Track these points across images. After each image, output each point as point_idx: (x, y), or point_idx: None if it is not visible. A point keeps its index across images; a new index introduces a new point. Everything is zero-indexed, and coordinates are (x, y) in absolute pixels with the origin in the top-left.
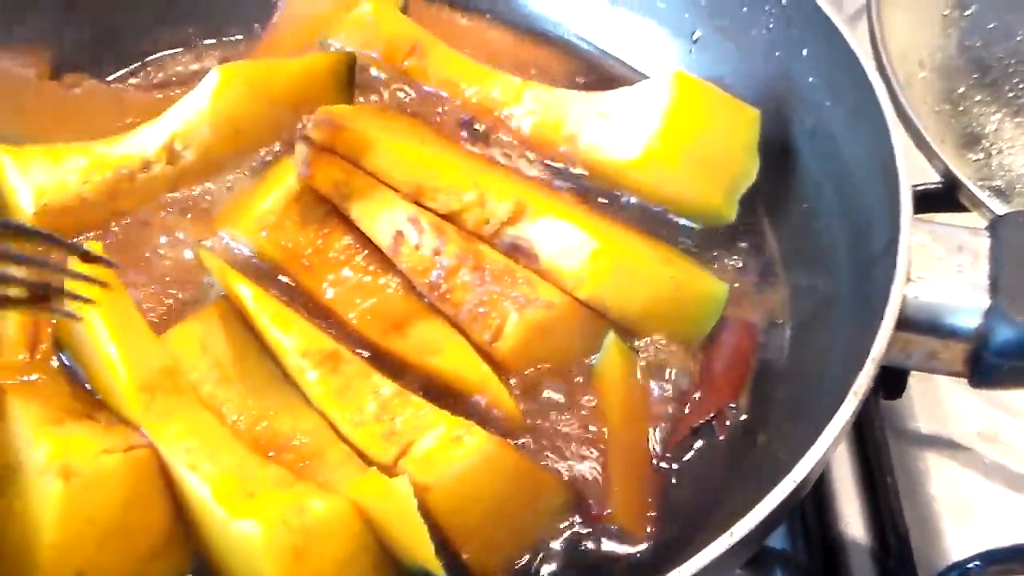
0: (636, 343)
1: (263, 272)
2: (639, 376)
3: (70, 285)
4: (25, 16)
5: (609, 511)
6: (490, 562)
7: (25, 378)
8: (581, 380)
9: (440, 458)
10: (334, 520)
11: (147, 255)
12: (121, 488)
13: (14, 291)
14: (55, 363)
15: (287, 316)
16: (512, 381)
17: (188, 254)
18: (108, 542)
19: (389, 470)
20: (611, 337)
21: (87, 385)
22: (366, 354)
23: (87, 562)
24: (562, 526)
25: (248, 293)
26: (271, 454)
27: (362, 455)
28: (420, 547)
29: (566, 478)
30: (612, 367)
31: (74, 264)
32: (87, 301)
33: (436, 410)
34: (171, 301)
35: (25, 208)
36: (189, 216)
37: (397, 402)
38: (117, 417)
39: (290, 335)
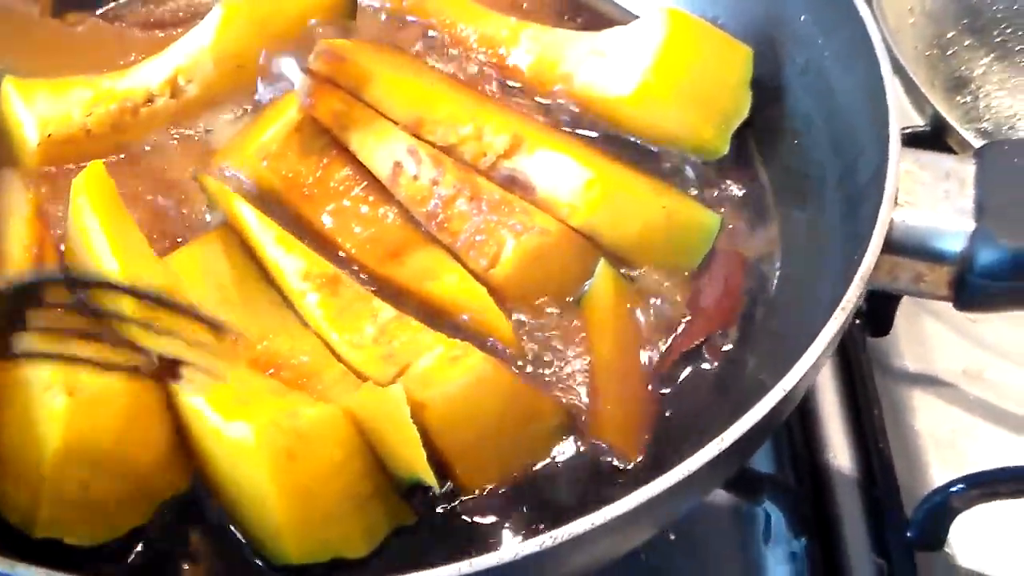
0: (629, 273)
1: (263, 202)
2: (630, 303)
3: (197, 357)
4: None
5: (600, 431)
6: (483, 479)
7: None
8: (575, 309)
9: (437, 377)
10: (326, 424)
11: (149, 186)
12: (124, 403)
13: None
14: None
15: (289, 239)
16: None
17: (190, 185)
18: (112, 455)
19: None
20: (602, 263)
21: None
22: (364, 280)
23: (91, 474)
24: (557, 447)
25: (251, 215)
26: (270, 371)
27: (360, 375)
28: (412, 454)
29: (563, 401)
30: (603, 292)
31: (200, 333)
32: (218, 377)
33: (435, 333)
34: (173, 230)
35: (30, 139)
36: (192, 148)
37: (396, 325)
38: (118, 334)
39: (292, 257)
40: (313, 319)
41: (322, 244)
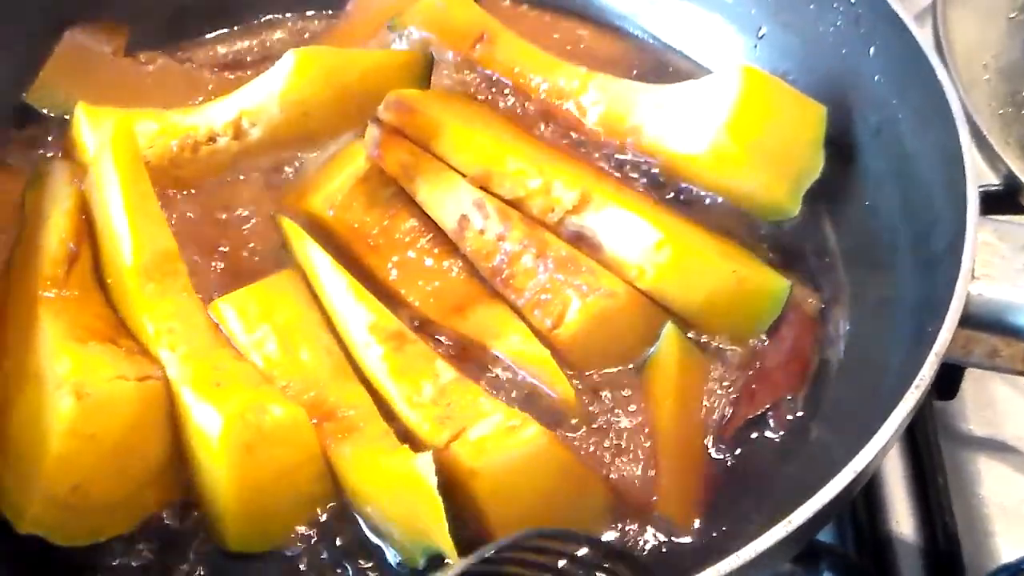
0: (696, 337)
1: (329, 251)
2: (695, 369)
3: None
4: None
5: (655, 500)
6: None
7: (61, 292)
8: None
9: (492, 445)
10: (290, 426)
11: (214, 223)
12: (128, 414)
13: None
14: (89, 284)
15: (360, 289)
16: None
17: (258, 224)
18: (108, 462)
19: (440, 452)
20: (669, 327)
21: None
22: (428, 333)
23: (85, 477)
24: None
25: (324, 260)
26: (313, 421)
27: (412, 435)
28: (434, 525)
29: (614, 476)
30: (668, 357)
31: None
32: None
33: (494, 400)
34: (236, 267)
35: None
36: (256, 187)
37: (455, 388)
38: (137, 344)
39: (361, 308)
40: (373, 373)
41: (386, 295)
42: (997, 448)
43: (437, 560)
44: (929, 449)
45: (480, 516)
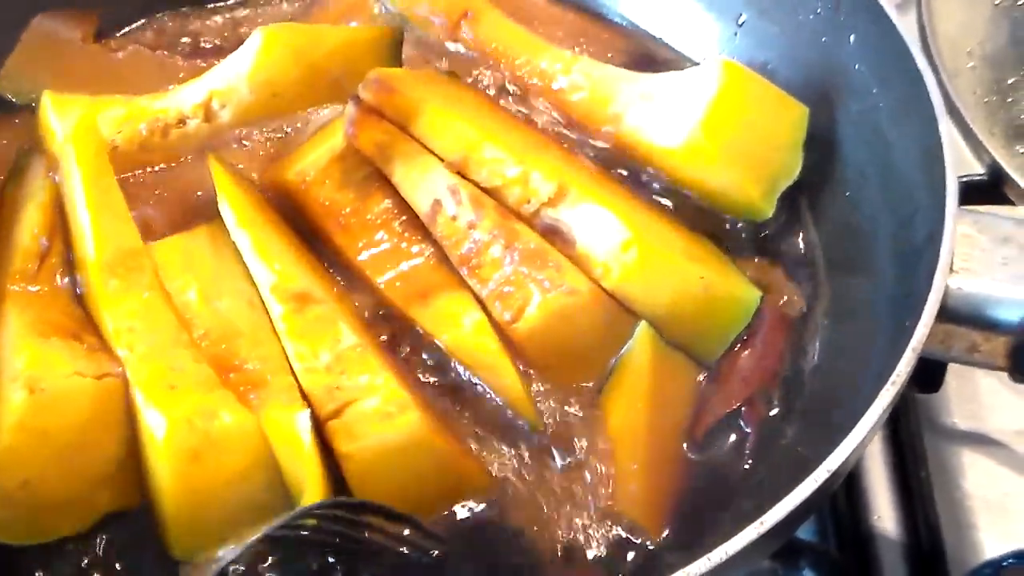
0: None
1: (296, 226)
2: (669, 370)
3: None
4: None
5: (621, 506)
6: None
7: (29, 287)
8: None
9: (364, 430)
10: (238, 434)
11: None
12: (82, 411)
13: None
14: (59, 279)
15: (266, 248)
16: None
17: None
18: (59, 460)
19: (322, 424)
20: (643, 326)
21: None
22: (382, 317)
23: (35, 474)
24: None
25: (231, 216)
26: (226, 374)
27: (305, 397)
28: (311, 488)
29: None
30: (641, 356)
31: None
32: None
33: (387, 376)
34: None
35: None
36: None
37: (353, 356)
38: (101, 341)
39: (264, 267)
40: (278, 330)
41: (351, 275)
42: (981, 442)
43: None
44: (912, 443)
45: (352, 495)
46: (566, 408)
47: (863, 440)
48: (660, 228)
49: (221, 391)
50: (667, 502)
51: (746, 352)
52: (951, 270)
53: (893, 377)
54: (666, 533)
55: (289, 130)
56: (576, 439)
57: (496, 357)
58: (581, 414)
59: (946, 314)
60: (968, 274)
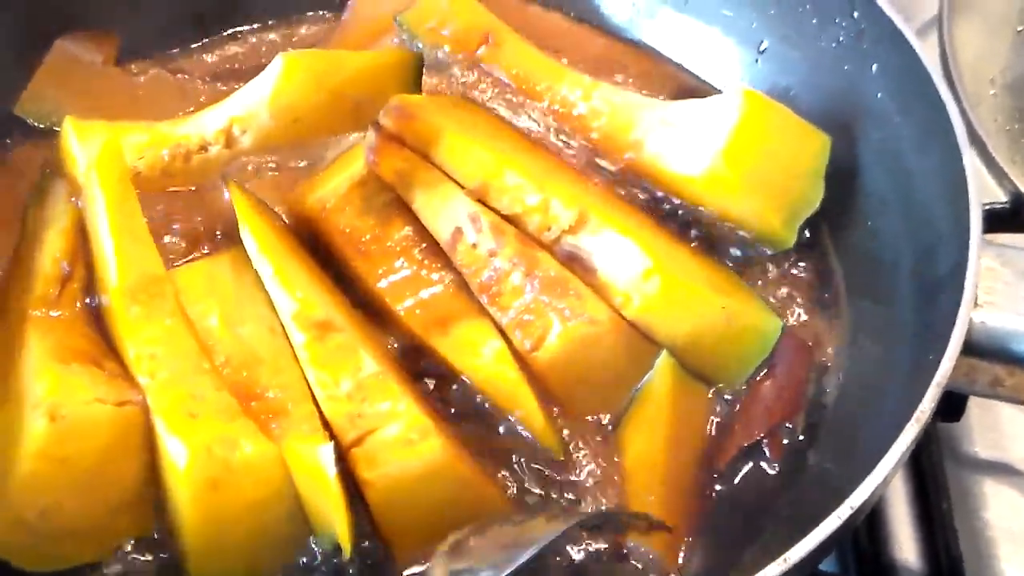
0: None
1: (317, 253)
2: (691, 400)
3: None
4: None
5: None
6: (417, 555)
7: (51, 312)
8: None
9: (386, 457)
10: (259, 463)
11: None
12: (103, 439)
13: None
14: (80, 304)
15: (287, 276)
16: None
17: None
18: (78, 487)
19: (344, 452)
20: (664, 356)
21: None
22: (402, 347)
23: (54, 502)
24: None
25: (252, 244)
26: (248, 402)
27: (327, 426)
28: (335, 519)
29: (513, 497)
30: (661, 386)
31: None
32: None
33: (409, 402)
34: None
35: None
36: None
37: (374, 384)
38: (122, 368)
39: (285, 295)
40: (299, 358)
41: (372, 303)
42: (1003, 471)
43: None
44: (933, 472)
45: (374, 523)
46: (586, 437)
47: (887, 477)
48: (681, 257)
49: (242, 420)
50: (683, 534)
51: (768, 382)
52: (975, 304)
53: (917, 413)
54: (688, 565)
55: (309, 159)
56: (595, 468)
57: (516, 386)
58: (600, 443)
59: (970, 348)
60: (992, 308)
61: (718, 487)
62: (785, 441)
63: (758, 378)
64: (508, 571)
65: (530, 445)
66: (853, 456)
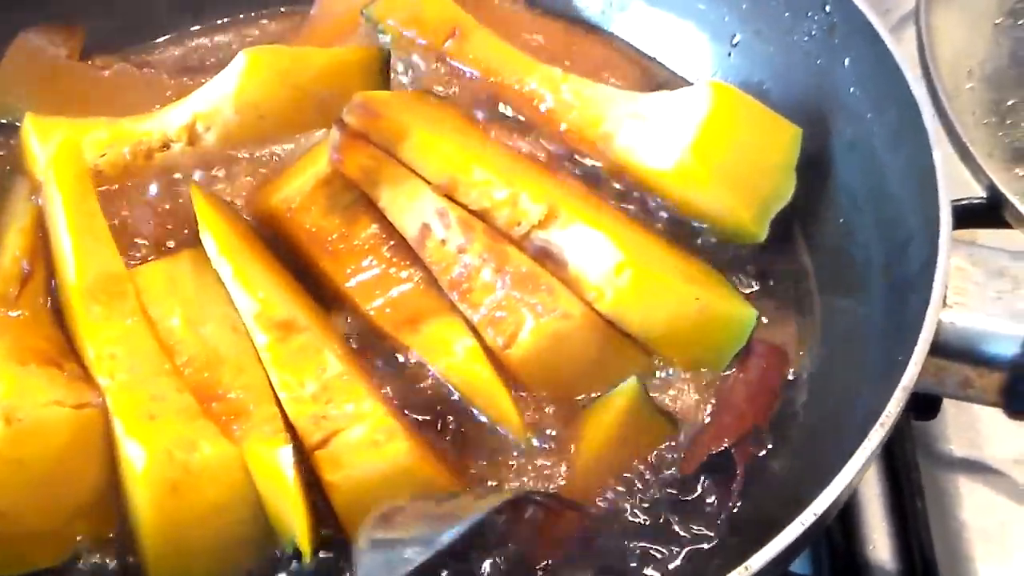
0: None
1: (282, 252)
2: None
3: None
4: None
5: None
6: None
7: (9, 312)
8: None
9: (352, 459)
10: (219, 465)
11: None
12: (60, 441)
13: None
14: (40, 304)
15: (247, 277)
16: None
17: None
18: (35, 490)
19: (308, 454)
20: (632, 381)
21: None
22: (374, 343)
23: (10, 505)
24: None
25: (211, 244)
26: (207, 402)
27: (291, 428)
28: (295, 524)
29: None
30: (614, 406)
31: None
32: None
33: (374, 402)
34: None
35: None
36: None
37: (339, 385)
38: (82, 369)
39: (246, 296)
40: (262, 359)
41: (340, 302)
42: (979, 470)
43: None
44: (907, 471)
45: (339, 524)
46: (548, 432)
47: (851, 482)
48: (653, 249)
49: (202, 421)
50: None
51: (739, 387)
52: (944, 304)
53: (882, 418)
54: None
55: (278, 153)
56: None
57: (489, 384)
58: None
59: (939, 349)
60: (961, 308)
61: (684, 495)
62: (754, 448)
63: (729, 381)
64: (434, 551)
65: (501, 441)
66: (818, 460)
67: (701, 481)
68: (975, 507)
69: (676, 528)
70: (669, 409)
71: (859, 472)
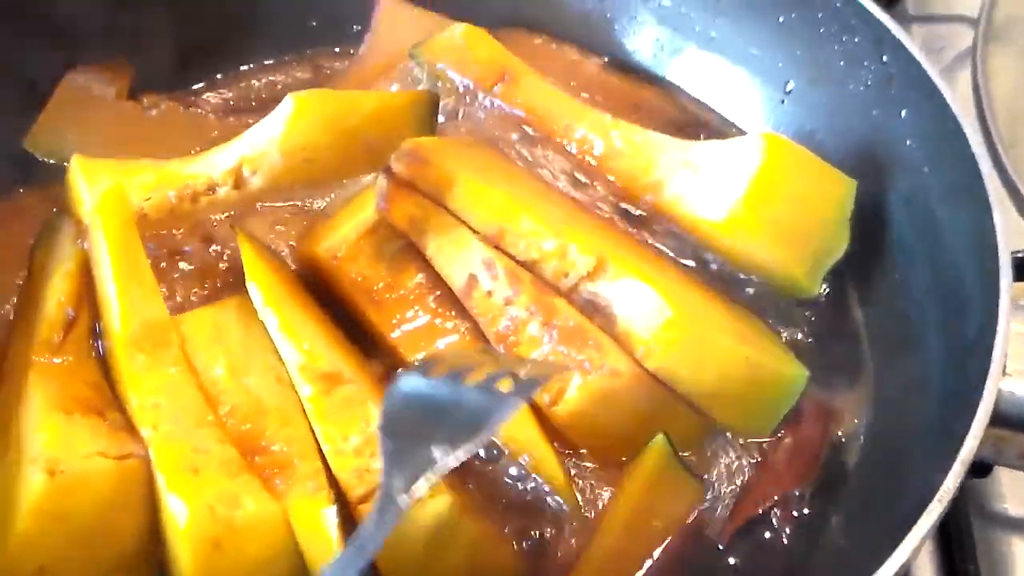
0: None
1: (329, 299)
2: (671, 487)
3: None
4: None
5: None
6: None
7: (54, 359)
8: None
9: None
10: (261, 521)
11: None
12: (102, 494)
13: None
14: (84, 350)
15: (293, 328)
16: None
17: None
18: (76, 544)
19: (352, 508)
20: (659, 439)
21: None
22: None
23: (51, 559)
24: None
25: (259, 296)
26: (250, 455)
27: (335, 481)
28: None
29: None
30: (642, 471)
31: None
32: None
33: None
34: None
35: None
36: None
37: None
38: (125, 418)
39: (291, 347)
40: (307, 411)
41: (386, 352)
42: None
43: None
44: (960, 531)
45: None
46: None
47: (908, 559)
48: (703, 304)
49: (245, 476)
50: None
51: (781, 448)
52: (1004, 372)
53: (940, 494)
54: None
55: (324, 198)
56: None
57: (535, 443)
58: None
59: (998, 420)
60: (1021, 377)
61: (729, 559)
62: (794, 513)
63: (772, 441)
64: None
65: (544, 498)
66: (872, 531)
67: (744, 547)
68: None
69: None
70: (694, 469)
71: (915, 550)
